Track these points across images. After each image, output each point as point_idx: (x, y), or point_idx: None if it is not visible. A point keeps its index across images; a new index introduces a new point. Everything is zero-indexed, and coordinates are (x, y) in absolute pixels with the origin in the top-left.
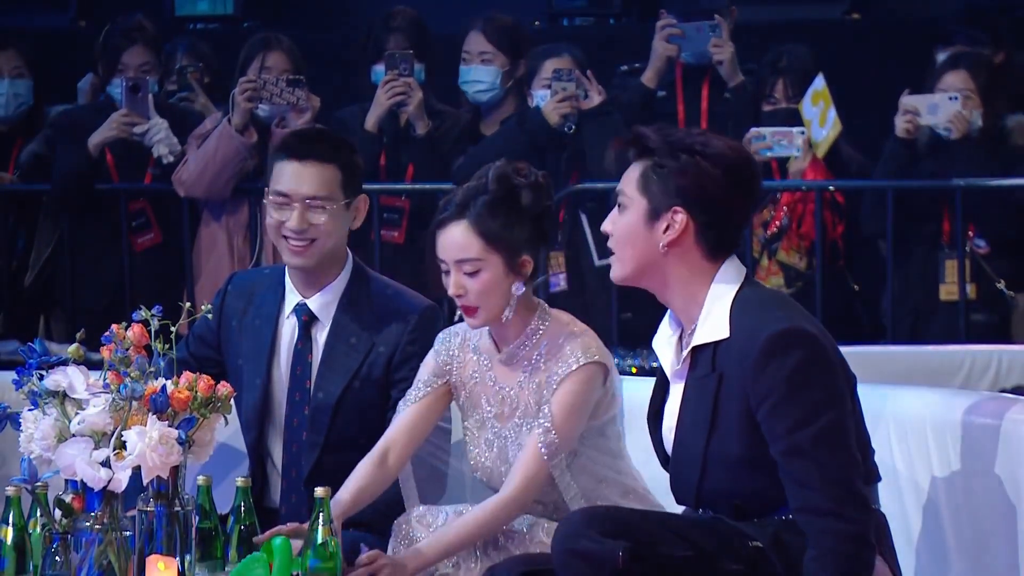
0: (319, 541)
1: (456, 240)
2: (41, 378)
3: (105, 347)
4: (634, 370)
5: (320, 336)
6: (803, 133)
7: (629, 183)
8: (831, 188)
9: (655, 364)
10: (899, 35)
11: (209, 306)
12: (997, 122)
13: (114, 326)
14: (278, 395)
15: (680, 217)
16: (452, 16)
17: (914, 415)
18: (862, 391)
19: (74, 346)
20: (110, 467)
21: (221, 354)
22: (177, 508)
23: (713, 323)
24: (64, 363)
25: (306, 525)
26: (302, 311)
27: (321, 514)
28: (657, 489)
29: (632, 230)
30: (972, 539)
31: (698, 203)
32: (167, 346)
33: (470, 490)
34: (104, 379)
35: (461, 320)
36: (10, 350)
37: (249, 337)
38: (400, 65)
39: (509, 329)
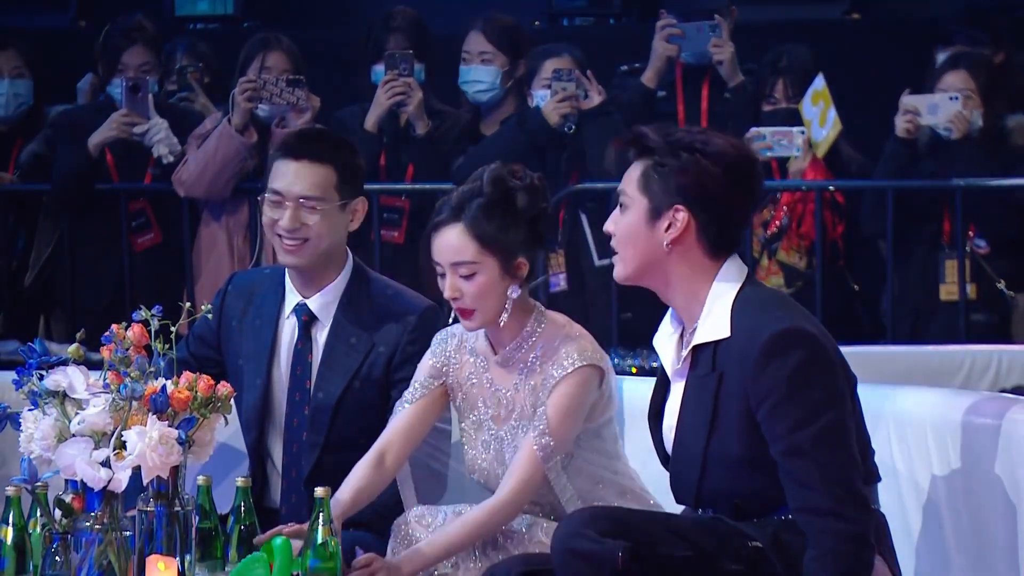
0: (319, 541)
1: (451, 243)
2: (41, 378)
3: (105, 347)
4: (634, 370)
5: (320, 336)
6: (803, 133)
7: (630, 183)
8: (831, 188)
9: (655, 364)
10: (899, 35)
11: (209, 306)
12: (997, 122)
13: (114, 326)
14: (278, 395)
15: (681, 215)
16: (452, 16)
17: (914, 415)
18: (862, 391)
19: (74, 346)
20: (110, 467)
21: (221, 354)
22: (177, 508)
23: (714, 322)
24: (64, 363)
25: (306, 525)
26: (302, 311)
27: (321, 514)
28: (657, 489)
29: (634, 229)
30: (972, 539)
31: (699, 201)
32: (167, 346)
33: (470, 491)
34: (104, 379)
35: (458, 321)
36: (10, 350)
37: (249, 337)
38: (400, 65)
39: (505, 331)
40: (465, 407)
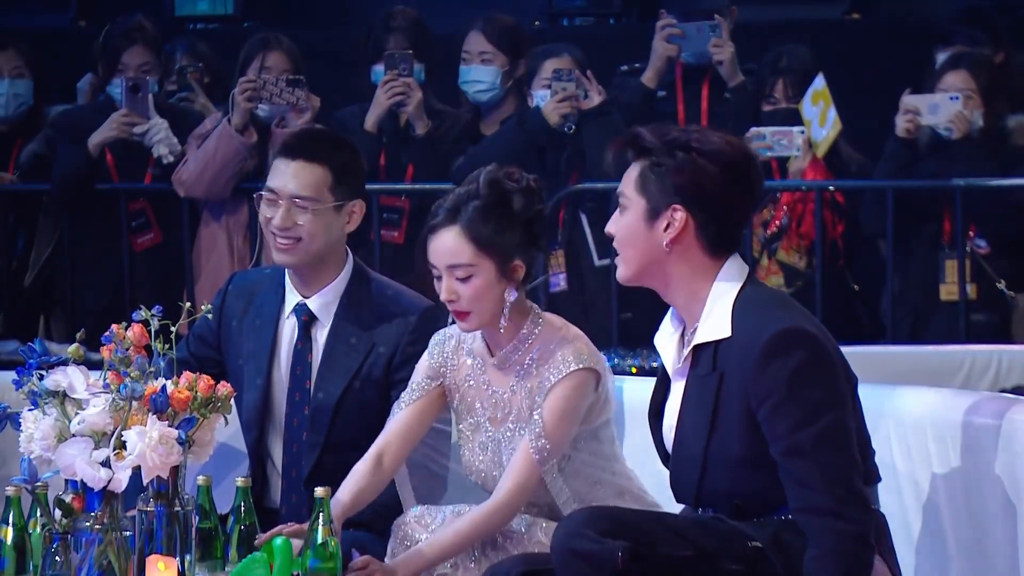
0: (319, 541)
1: (448, 246)
2: (41, 378)
3: (105, 347)
4: (634, 370)
5: (320, 336)
6: (803, 133)
7: (628, 184)
8: (831, 188)
9: (655, 364)
10: (899, 35)
11: (209, 306)
12: (997, 122)
13: (114, 326)
14: (278, 395)
15: (679, 215)
16: (452, 16)
17: (914, 415)
18: (862, 391)
19: (74, 346)
20: (110, 467)
21: (221, 354)
22: (177, 508)
23: (715, 322)
24: (64, 363)
25: (306, 525)
26: (302, 311)
27: (321, 514)
28: (657, 489)
29: (633, 230)
30: (972, 539)
31: (696, 200)
32: (167, 346)
33: (470, 491)
34: (104, 379)
35: (455, 322)
36: (10, 350)
37: (249, 337)
38: (400, 65)
39: (502, 333)
40: (462, 408)
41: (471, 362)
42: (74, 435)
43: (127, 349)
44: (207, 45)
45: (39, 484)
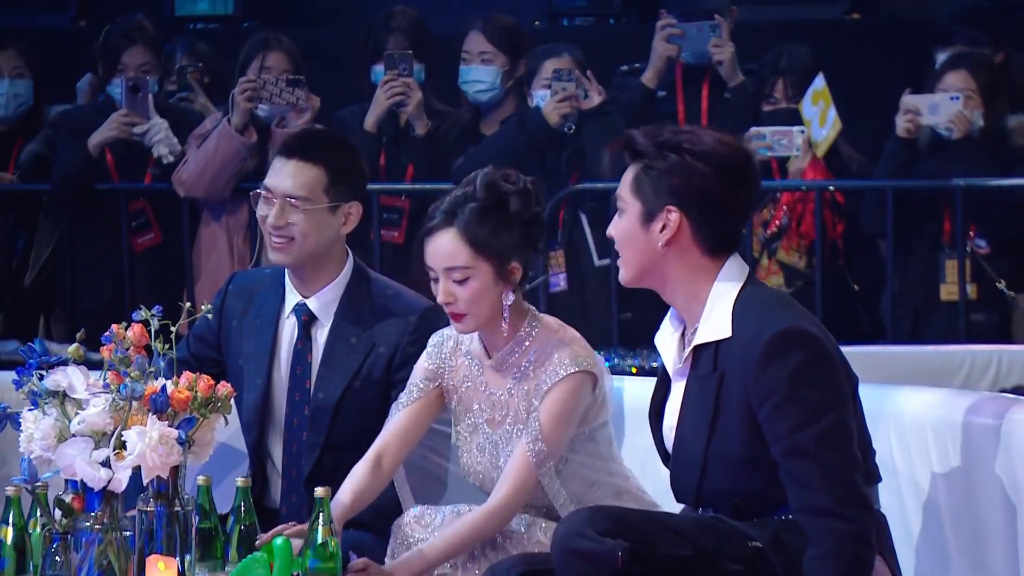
0: (319, 541)
1: (445, 248)
2: (41, 378)
3: (105, 347)
4: (634, 370)
5: (320, 336)
6: (803, 132)
7: (624, 187)
8: (831, 188)
9: (655, 364)
10: (899, 35)
11: (209, 306)
12: (998, 122)
13: (114, 326)
14: (278, 395)
15: (674, 216)
16: (452, 16)
17: (914, 415)
18: (862, 391)
19: (74, 346)
20: (110, 467)
21: (221, 354)
22: (177, 508)
23: (715, 322)
24: (64, 363)
25: (306, 526)
26: (301, 311)
27: (321, 514)
28: (656, 489)
29: (630, 233)
30: (972, 539)
31: (690, 201)
32: (167, 346)
33: (470, 491)
34: (104, 379)
35: None
36: (10, 350)
37: (250, 337)
38: (399, 65)
39: (499, 335)
40: (460, 410)
41: (469, 363)
42: (74, 435)
43: (127, 349)
44: (207, 45)
45: (39, 484)
